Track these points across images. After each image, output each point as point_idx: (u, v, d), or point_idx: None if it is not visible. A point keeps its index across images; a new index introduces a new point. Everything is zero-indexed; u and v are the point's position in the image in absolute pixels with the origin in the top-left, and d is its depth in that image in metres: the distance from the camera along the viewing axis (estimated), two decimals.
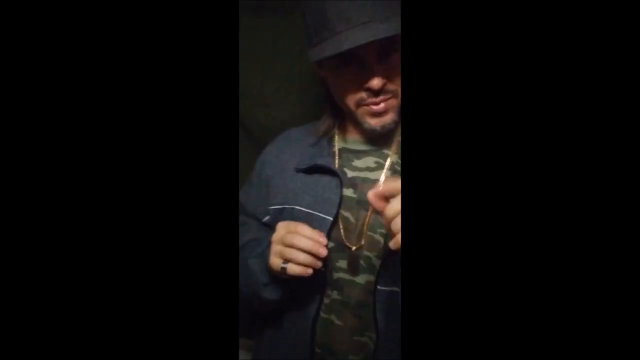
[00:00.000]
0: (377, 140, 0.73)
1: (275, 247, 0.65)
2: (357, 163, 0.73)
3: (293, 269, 0.64)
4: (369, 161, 0.72)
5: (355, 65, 0.65)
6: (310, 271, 0.63)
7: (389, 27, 0.60)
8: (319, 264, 0.63)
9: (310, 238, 0.63)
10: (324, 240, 0.63)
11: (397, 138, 0.71)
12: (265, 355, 0.78)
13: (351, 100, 0.68)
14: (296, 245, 0.63)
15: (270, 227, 0.72)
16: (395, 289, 0.66)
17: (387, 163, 0.71)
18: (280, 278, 0.67)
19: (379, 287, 0.67)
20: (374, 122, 0.68)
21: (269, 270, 0.68)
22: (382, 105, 0.66)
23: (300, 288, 0.71)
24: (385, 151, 0.72)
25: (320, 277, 0.69)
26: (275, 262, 0.65)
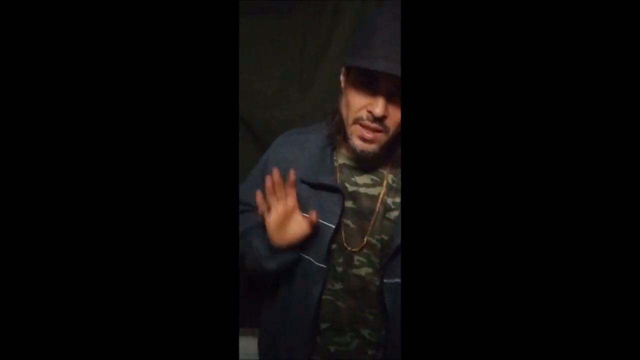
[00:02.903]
0: (371, 160, 0.84)
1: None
2: (357, 179, 0.85)
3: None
4: (366, 178, 0.85)
5: (371, 90, 0.77)
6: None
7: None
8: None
9: None
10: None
11: (392, 159, 0.85)
12: (273, 334, 0.91)
13: (353, 114, 0.79)
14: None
15: None
16: (397, 280, 0.81)
17: (385, 182, 0.85)
18: (278, 251, 0.82)
19: (385, 280, 0.81)
20: (359, 144, 0.80)
21: (268, 245, 0.82)
22: (371, 135, 0.78)
23: (301, 275, 0.85)
24: (380, 170, 0.86)
25: (322, 269, 0.84)
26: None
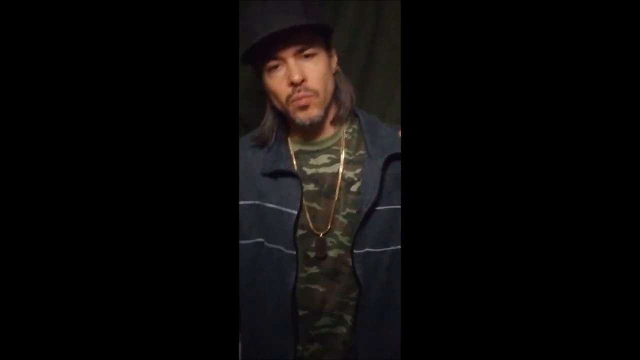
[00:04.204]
0: (325, 140, 0.87)
1: None
2: (313, 162, 0.87)
3: None
4: (323, 158, 0.86)
5: (281, 69, 0.79)
6: None
7: (290, 19, 0.74)
8: None
9: None
10: None
11: (342, 135, 0.87)
12: (251, 330, 0.90)
13: (282, 97, 0.81)
14: None
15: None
16: (367, 249, 0.82)
17: (342, 157, 0.86)
18: None
19: (354, 250, 0.82)
20: (302, 116, 0.81)
21: None
22: (304, 101, 0.79)
23: (273, 267, 0.85)
24: (335, 147, 0.87)
25: (292, 256, 0.82)
26: None
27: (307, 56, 0.79)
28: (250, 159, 0.90)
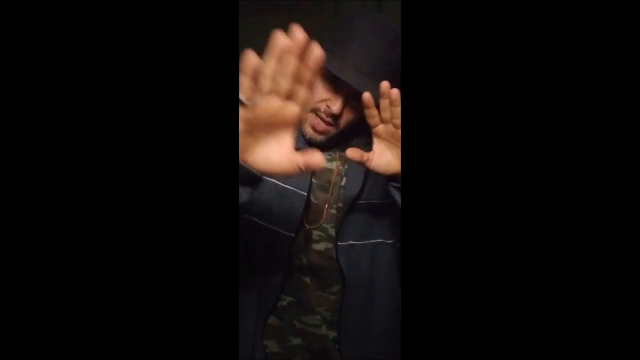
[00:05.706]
0: (326, 140, 0.86)
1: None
2: None
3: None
4: (325, 155, 0.83)
5: (334, 86, 0.78)
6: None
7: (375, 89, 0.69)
8: None
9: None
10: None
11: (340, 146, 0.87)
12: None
13: (312, 103, 0.80)
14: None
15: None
16: (351, 242, 0.84)
17: (338, 154, 0.87)
18: (246, 178, 0.58)
19: (338, 243, 0.83)
20: (309, 132, 0.82)
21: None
22: (323, 127, 0.80)
23: (265, 245, 0.83)
24: (334, 148, 0.88)
25: (289, 239, 0.83)
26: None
27: (353, 103, 0.77)
28: None
